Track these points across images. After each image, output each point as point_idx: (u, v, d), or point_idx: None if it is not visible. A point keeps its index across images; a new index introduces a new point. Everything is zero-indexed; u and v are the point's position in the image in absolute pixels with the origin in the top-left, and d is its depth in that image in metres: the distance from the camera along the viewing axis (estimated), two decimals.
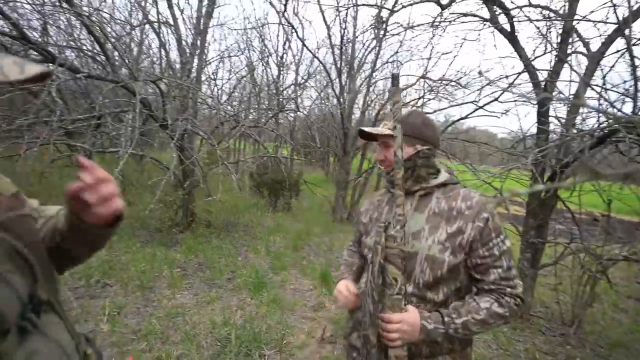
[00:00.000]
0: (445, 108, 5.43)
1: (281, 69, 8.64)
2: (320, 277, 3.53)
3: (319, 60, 5.77)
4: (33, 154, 3.87)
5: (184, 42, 4.37)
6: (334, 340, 2.56)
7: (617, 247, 2.74)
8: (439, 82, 5.29)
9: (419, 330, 0.86)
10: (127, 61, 3.29)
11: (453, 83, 5.08)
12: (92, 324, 2.43)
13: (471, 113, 4.49)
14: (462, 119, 4.68)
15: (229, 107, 4.86)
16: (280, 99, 7.83)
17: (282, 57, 8.71)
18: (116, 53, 3.44)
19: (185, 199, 4.14)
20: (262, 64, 8.37)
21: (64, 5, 2.80)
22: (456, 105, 5.06)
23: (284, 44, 11.38)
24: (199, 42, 4.52)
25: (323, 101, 6.97)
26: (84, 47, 3.88)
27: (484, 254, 0.90)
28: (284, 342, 2.45)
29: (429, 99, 5.61)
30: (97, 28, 2.91)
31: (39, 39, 3.39)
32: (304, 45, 5.42)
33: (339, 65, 5.68)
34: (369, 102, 6.31)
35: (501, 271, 0.89)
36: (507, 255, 0.91)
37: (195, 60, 4.50)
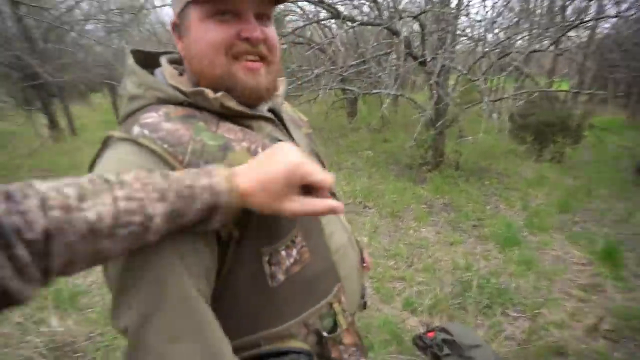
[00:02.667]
0: None
1: None
2: (603, 253, 2.67)
3: None
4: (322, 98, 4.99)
5: None
6: (614, 337, 1.94)
7: None
8: None
9: None
10: (389, 3, 3.42)
11: None
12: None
13: None
14: None
15: (490, 36, 4.12)
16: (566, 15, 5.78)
17: None
18: None
19: (436, 139, 4.14)
20: None
21: None
22: None
23: None
24: None
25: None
26: None
27: None
28: (535, 310, 2.11)
29: None
30: None
31: None
32: None
33: None
34: None
35: None
36: None
37: None
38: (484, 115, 3.50)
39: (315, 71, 4.05)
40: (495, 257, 2.73)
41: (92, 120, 9.02)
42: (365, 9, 4.38)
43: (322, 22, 4.54)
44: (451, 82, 4.78)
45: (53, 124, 6.83)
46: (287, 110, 0.70)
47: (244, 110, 0.52)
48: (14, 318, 1.89)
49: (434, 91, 3.33)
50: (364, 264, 0.95)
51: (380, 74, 4.25)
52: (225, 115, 0.51)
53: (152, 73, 0.55)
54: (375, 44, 3.31)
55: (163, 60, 0.58)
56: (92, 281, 2.35)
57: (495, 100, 3.15)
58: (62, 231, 0.30)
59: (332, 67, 4.12)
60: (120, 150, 0.45)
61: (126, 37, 8.30)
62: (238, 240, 0.47)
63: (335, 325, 0.58)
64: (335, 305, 0.58)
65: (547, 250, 2.85)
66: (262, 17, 0.52)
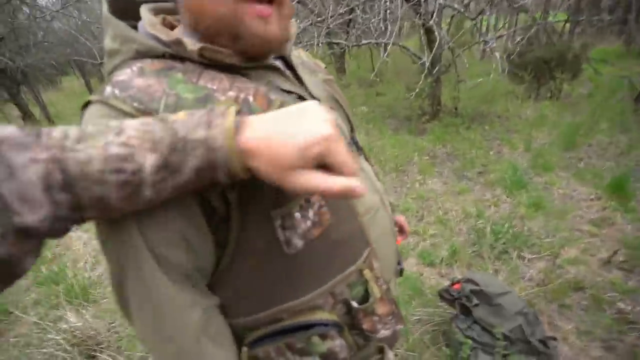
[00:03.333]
0: None
1: None
2: (611, 187, 2.67)
3: None
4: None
5: None
6: (629, 268, 1.98)
7: None
8: None
9: None
10: None
11: None
12: None
13: None
14: None
15: None
16: None
17: None
18: None
19: (433, 87, 3.97)
20: None
21: None
22: None
23: None
24: None
25: None
26: None
27: None
28: (548, 250, 2.13)
29: None
30: None
31: None
32: None
33: None
34: None
35: None
36: None
37: None
38: (475, 58, 3.32)
39: (301, 25, 3.75)
40: (505, 202, 2.73)
41: (66, 107, 8.53)
42: None
43: None
44: (443, 25, 4.51)
45: (26, 114, 6.44)
46: (301, 55, 0.61)
47: (235, 63, 0.44)
48: (29, 319, 1.85)
49: (435, 34, 3.09)
50: (402, 231, 0.88)
51: (369, 23, 3.96)
52: (212, 65, 0.44)
53: (134, 27, 0.48)
54: None
55: (144, 9, 0.49)
56: (100, 273, 2.30)
57: (498, 37, 2.95)
58: (58, 167, 0.31)
59: (318, 20, 3.81)
60: (91, 113, 0.41)
61: (86, 9, 7.59)
62: (239, 204, 0.41)
63: (367, 294, 0.52)
64: (366, 272, 0.52)
65: (554, 190, 2.84)
66: None
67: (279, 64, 0.51)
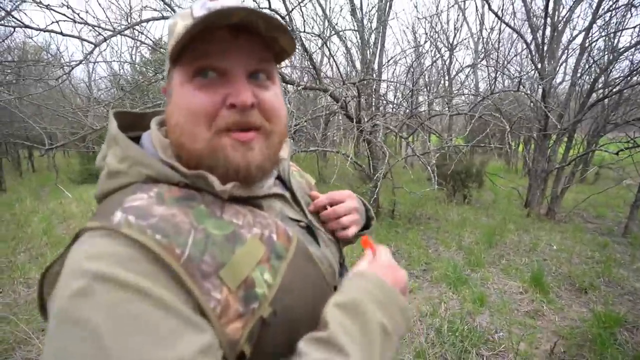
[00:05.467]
0: None
1: (452, 51, 8.03)
2: (532, 281, 3.06)
3: (508, 26, 4.96)
4: None
5: (367, 42, 4.64)
6: (567, 358, 2.17)
7: None
8: None
9: None
10: (337, 71, 3.83)
11: None
12: None
13: None
14: None
15: (406, 103, 4.87)
16: (450, 84, 7.24)
17: (453, 39, 8.05)
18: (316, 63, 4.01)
19: (373, 191, 4.43)
20: (432, 50, 7.98)
21: None
22: None
23: (456, 22, 10.52)
24: (379, 42, 4.71)
25: (520, 79, 5.99)
26: (296, 63, 4.73)
27: None
28: (501, 346, 2.26)
29: None
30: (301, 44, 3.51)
31: None
32: (496, 15, 4.77)
33: (537, 27, 4.71)
34: (583, 69, 4.97)
35: None
36: None
37: (377, 58, 4.72)
38: (407, 168, 3.95)
39: None
40: (452, 298, 2.90)
41: None
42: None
43: None
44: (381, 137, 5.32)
45: None
46: (295, 175, 0.61)
47: (253, 194, 0.45)
48: None
49: (379, 147, 3.64)
50: None
51: (314, 132, 4.50)
52: (230, 197, 0.43)
53: (138, 138, 0.46)
54: (319, 106, 3.55)
55: (153, 124, 0.47)
56: None
57: (423, 154, 3.59)
58: None
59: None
60: (94, 242, 0.34)
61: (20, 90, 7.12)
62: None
63: None
64: None
65: (489, 284, 3.14)
66: (259, 76, 0.43)
67: (281, 190, 0.52)
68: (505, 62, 7.04)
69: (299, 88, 3.10)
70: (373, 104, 4.43)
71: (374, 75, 4.36)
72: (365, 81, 3.62)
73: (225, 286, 0.37)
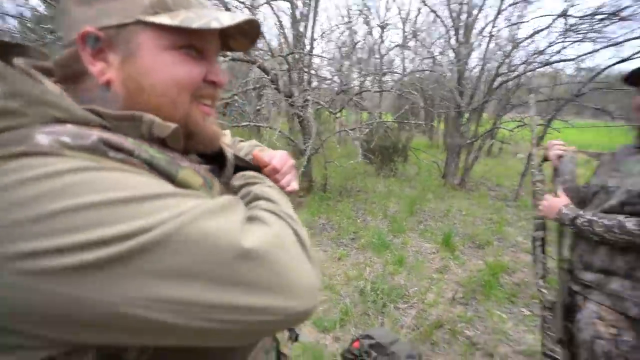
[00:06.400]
0: (592, 52, 4.36)
1: (383, 30, 8.29)
2: (443, 242, 3.51)
3: (430, 9, 5.29)
4: None
5: (297, 15, 4.55)
6: (465, 301, 2.58)
7: None
8: (588, 18, 4.31)
9: (556, 212, 1.18)
10: (265, 43, 3.69)
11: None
12: None
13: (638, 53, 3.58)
14: (622, 61, 3.79)
15: (337, 78, 4.97)
16: (381, 62, 7.55)
17: (384, 17, 8.28)
18: None
19: (306, 166, 4.53)
20: (364, 28, 8.13)
21: None
22: (613, 45, 4.08)
23: (387, 1, 10.77)
24: (311, 15, 4.65)
25: (433, 59, 6.45)
26: None
27: None
28: (414, 299, 2.58)
29: (571, 43, 4.64)
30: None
31: None
32: None
33: (456, 13, 5.11)
34: (490, 55, 5.58)
35: None
36: None
37: (308, 33, 4.68)
38: (339, 142, 4.12)
39: None
40: (376, 262, 3.18)
41: None
42: None
43: None
44: (312, 112, 5.37)
45: None
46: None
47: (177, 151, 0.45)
48: None
49: (306, 122, 3.68)
50: None
51: (246, 107, 4.37)
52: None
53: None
54: (248, 79, 3.43)
55: (24, 65, 0.40)
56: None
57: (352, 129, 3.75)
58: None
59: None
60: (37, 165, 0.30)
61: None
62: None
63: (279, 357, 0.58)
64: (279, 335, 0.58)
65: (408, 247, 3.52)
66: (217, 58, 0.49)
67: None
68: (431, 44, 7.54)
69: (225, 59, 2.95)
70: (305, 78, 4.43)
71: (305, 49, 4.33)
72: (294, 54, 3.58)
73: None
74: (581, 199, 1.21)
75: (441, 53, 5.79)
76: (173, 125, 0.41)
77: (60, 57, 0.42)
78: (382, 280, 2.74)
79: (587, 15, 4.19)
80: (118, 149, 0.35)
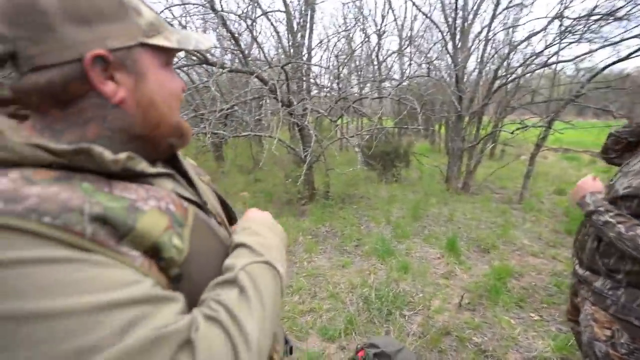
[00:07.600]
0: (589, 53, 4.36)
1: (380, 37, 8.37)
2: (448, 247, 3.47)
3: (426, 15, 5.35)
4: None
5: (294, 25, 4.61)
6: (472, 307, 2.53)
7: None
8: (583, 19, 4.33)
9: (580, 196, 1.10)
10: (262, 54, 3.75)
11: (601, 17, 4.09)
12: None
13: (636, 52, 3.58)
14: (619, 61, 3.78)
15: (335, 85, 5.00)
16: (379, 69, 7.61)
17: (380, 25, 8.39)
18: (243, 45, 3.87)
19: (307, 174, 4.53)
20: (361, 36, 8.21)
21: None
22: (610, 45, 4.08)
23: (383, 9, 10.90)
24: (308, 25, 4.71)
25: (428, 65, 6.49)
26: (220, 45, 4.51)
27: None
28: (420, 305, 2.54)
29: (568, 44, 4.65)
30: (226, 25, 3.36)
31: None
32: (413, 4, 5.08)
33: (451, 19, 5.15)
34: (487, 58, 5.60)
35: None
36: None
37: (305, 42, 4.73)
38: (340, 149, 4.11)
39: (185, 117, 3.86)
40: (380, 269, 3.15)
41: None
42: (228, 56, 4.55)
43: (193, 67, 4.42)
44: (311, 120, 5.40)
45: None
46: (188, 159, 0.67)
47: (146, 170, 0.44)
48: None
49: (306, 130, 3.69)
50: None
51: (246, 117, 4.40)
52: (116, 175, 0.41)
53: None
54: (247, 90, 3.46)
55: None
56: None
57: (351, 137, 3.76)
58: None
59: (200, 113, 4.03)
60: None
61: None
62: None
63: None
64: (275, 356, 0.59)
65: (413, 253, 3.48)
66: None
67: (170, 170, 0.53)
68: (428, 50, 7.59)
69: (223, 71, 2.98)
70: (304, 87, 4.46)
71: (303, 58, 4.37)
72: (291, 64, 3.61)
73: (136, 250, 0.39)
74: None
75: (437, 58, 5.82)
76: (123, 156, 0.41)
77: (37, 82, 0.38)
78: (387, 288, 2.71)
79: (582, 17, 4.21)
80: (57, 212, 0.32)
